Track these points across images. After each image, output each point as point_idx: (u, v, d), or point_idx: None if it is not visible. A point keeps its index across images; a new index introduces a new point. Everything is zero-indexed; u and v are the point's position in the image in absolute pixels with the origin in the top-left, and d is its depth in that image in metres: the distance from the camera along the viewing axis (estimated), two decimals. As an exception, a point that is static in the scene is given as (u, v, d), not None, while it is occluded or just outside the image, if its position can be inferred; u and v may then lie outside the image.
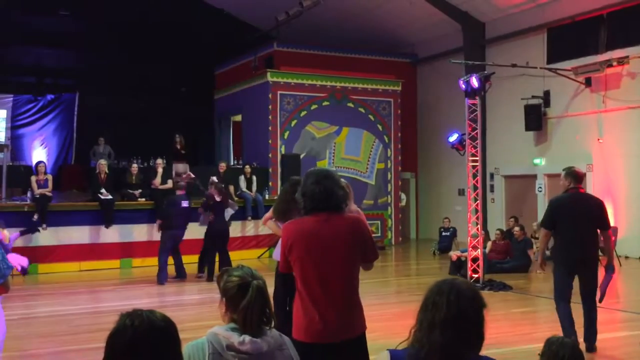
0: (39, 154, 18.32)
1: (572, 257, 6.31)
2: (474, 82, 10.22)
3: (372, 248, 3.46)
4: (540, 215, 15.56)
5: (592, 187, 14.72)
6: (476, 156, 10.49)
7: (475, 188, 10.75)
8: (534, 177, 15.98)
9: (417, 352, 2.15)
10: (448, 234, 15.61)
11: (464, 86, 10.45)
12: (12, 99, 18.59)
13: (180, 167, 14.75)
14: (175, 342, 2.02)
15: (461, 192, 18.18)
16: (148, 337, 1.94)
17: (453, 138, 10.80)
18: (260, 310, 2.50)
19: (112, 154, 16.20)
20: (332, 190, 3.34)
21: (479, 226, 10.47)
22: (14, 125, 18.59)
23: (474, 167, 10.56)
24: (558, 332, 6.73)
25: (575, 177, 6.39)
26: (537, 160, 15.94)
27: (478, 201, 10.57)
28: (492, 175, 17.23)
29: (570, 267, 6.34)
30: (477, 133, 10.48)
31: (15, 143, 18.11)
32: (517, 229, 12.79)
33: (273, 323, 2.57)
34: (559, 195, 6.61)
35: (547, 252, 14.06)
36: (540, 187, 15.86)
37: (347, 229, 3.35)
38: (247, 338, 2.47)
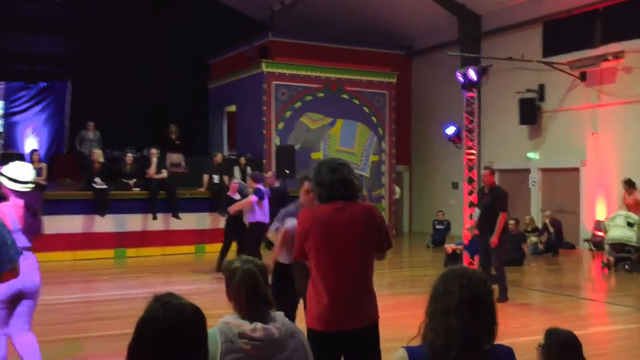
0: (31, 142, 18.17)
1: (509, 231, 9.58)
2: (472, 74, 10.21)
3: (386, 237, 3.48)
4: (534, 210, 15.73)
5: (585, 181, 14.81)
6: (473, 149, 10.51)
7: (471, 181, 10.78)
8: (528, 171, 16.03)
9: (434, 344, 2.13)
10: (442, 227, 15.67)
11: (461, 79, 10.44)
12: (4, 86, 18.41)
13: (175, 157, 14.71)
14: (204, 333, 2.05)
15: (455, 186, 18.22)
16: (178, 328, 1.95)
17: (450, 131, 10.81)
18: (251, 292, 2.53)
19: (100, 140, 15.49)
20: (349, 179, 3.38)
21: (475, 219, 10.48)
22: (6, 113, 18.42)
23: (470, 160, 10.57)
24: (553, 324, 6.78)
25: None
26: (531, 154, 15.98)
27: (474, 194, 10.58)
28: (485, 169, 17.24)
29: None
30: (474, 126, 10.49)
31: (7, 130, 17.96)
32: (511, 222, 12.82)
33: (271, 306, 2.60)
34: (499, 186, 9.41)
35: (541, 246, 14.17)
36: (534, 181, 15.92)
37: (363, 218, 3.37)
38: (258, 325, 2.50)
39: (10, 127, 18.36)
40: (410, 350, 2.17)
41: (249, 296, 2.53)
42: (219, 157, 14.28)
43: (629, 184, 12.62)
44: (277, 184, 10.97)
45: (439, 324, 2.13)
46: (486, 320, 2.14)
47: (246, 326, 2.48)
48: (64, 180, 15.44)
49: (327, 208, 3.34)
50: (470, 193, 10.64)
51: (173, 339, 1.94)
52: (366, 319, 3.36)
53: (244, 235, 10.68)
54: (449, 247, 11.17)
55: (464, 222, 10.73)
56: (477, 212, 9.23)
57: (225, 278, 2.61)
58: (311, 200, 5.83)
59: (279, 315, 2.62)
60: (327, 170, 3.37)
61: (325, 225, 3.30)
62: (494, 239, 8.56)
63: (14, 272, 3.04)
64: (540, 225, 14.65)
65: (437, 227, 15.76)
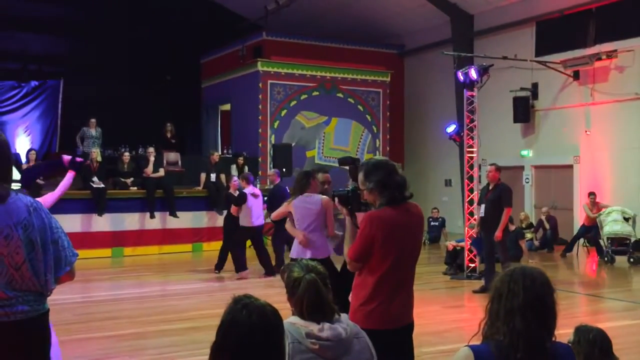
0: (23, 141, 17.99)
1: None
2: (473, 74, 10.30)
3: None
4: (527, 206, 15.88)
5: (579, 178, 14.99)
6: (473, 147, 10.61)
7: (472, 179, 10.87)
8: (522, 168, 16.18)
9: (499, 343, 2.16)
10: (437, 224, 15.78)
11: (462, 78, 10.52)
12: (-5, 85, 18.20)
13: (172, 156, 14.67)
14: (283, 336, 2.09)
15: (447, 183, 18.36)
16: (262, 329, 1.99)
17: (451, 129, 10.89)
18: (313, 302, 2.53)
19: (101, 137, 15.11)
20: (406, 180, 3.44)
21: (476, 216, 10.57)
22: (-3, 112, 18.22)
23: (471, 158, 10.67)
24: (561, 321, 6.86)
25: None
26: (524, 152, 16.14)
27: (475, 192, 10.68)
28: (479, 167, 17.38)
29: None
30: (475, 124, 10.58)
31: (-2, 130, 17.76)
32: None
33: (336, 315, 2.60)
34: (504, 182, 9.54)
35: (536, 243, 14.33)
36: (528, 179, 16.08)
37: (421, 218, 3.53)
38: (326, 325, 2.51)
39: (0, 126, 18.15)
40: (475, 349, 2.18)
41: (313, 307, 2.54)
42: (215, 156, 14.27)
43: (594, 196, 13.25)
44: (278, 182, 10.98)
45: (503, 324, 2.16)
46: (548, 321, 2.19)
47: (313, 326, 2.50)
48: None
49: (395, 210, 3.35)
50: (472, 191, 10.73)
51: (258, 340, 1.97)
52: (412, 316, 3.50)
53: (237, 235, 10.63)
54: (450, 244, 11.26)
55: (465, 219, 10.81)
56: (482, 208, 9.32)
57: (286, 285, 2.61)
58: (324, 191, 6.17)
59: (344, 316, 2.64)
60: (387, 172, 3.37)
61: (399, 227, 3.33)
62: (498, 233, 8.84)
63: (71, 275, 3.05)
64: (534, 222, 14.82)
65: (432, 224, 15.86)
